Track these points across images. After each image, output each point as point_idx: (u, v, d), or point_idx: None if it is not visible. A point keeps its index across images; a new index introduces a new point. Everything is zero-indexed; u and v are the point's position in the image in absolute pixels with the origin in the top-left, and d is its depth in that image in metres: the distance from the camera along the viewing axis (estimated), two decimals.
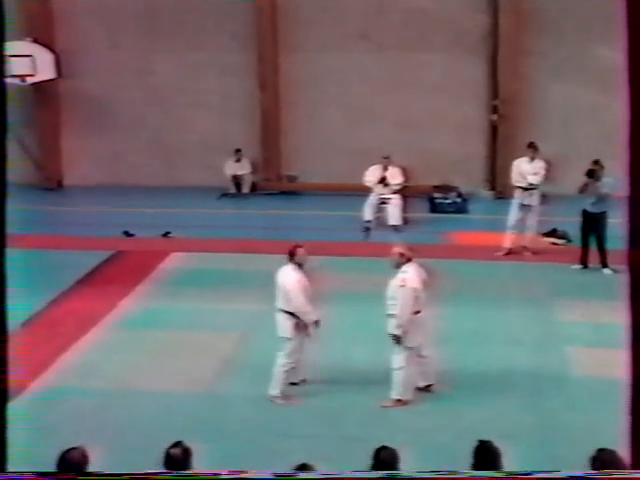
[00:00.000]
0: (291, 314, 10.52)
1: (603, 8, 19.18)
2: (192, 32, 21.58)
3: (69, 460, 6.10)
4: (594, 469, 5.66)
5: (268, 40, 21.38)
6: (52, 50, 21.33)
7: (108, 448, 8.18)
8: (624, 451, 4.79)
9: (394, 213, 18.45)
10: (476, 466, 6.04)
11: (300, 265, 10.61)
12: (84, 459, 6.16)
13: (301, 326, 10.57)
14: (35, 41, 20.80)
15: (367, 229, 18.23)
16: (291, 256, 10.62)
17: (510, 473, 5.13)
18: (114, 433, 9.73)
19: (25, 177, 20.14)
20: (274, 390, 10.65)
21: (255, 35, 21.36)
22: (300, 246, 10.72)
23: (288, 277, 10.53)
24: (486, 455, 6.08)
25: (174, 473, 5.46)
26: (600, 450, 5.77)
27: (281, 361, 10.64)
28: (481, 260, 16.14)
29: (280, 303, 10.60)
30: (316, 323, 10.55)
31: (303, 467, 5.69)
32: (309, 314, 10.49)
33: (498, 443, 6.18)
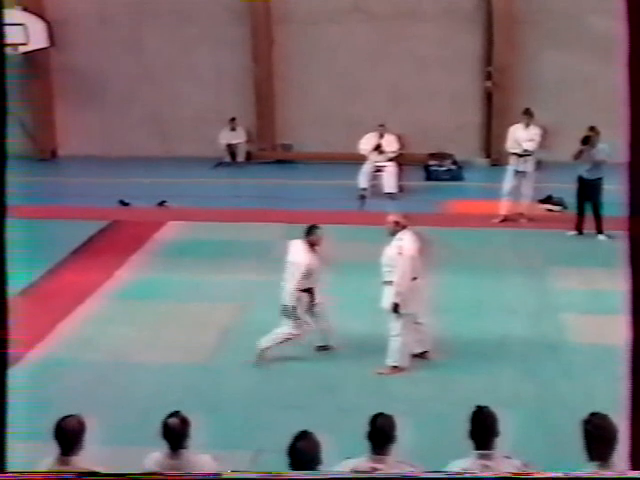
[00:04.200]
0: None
1: None
2: (184, 5, 21.41)
3: (65, 427, 6.12)
4: (586, 433, 5.68)
5: (261, 12, 21.25)
6: (43, 19, 21.18)
7: (105, 420, 8.20)
8: (620, 418, 4.80)
9: (389, 181, 18.43)
10: (473, 432, 6.06)
11: (313, 244, 10.61)
12: (80, 427, 6.17)
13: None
14: (25, 9, 20.62)
15: (362, 197, 18.21)
16: (307, 234, 10.62)
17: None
18: (111, 405, 9.72)
19: (18, 148, 20.10)
20: (264, 343, 10.74)
21: (248, 7, 21.22)
22: (318, 227, 10.72)
23: (299, 258, 10.54)
24: (483, 421, 6.10)
25: (175, 473, 5.46)
26: (592, 414, 5.78)
27: (279, 332, 10.69)
28: (477, 228, 16.14)
29: (288, 277, 10.62)
30: (294, 308, 10.58)
31: (303, 434, 5.69)
32: (291, 297, 10.55)
33: (495, 410, 6.19)
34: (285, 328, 10.67)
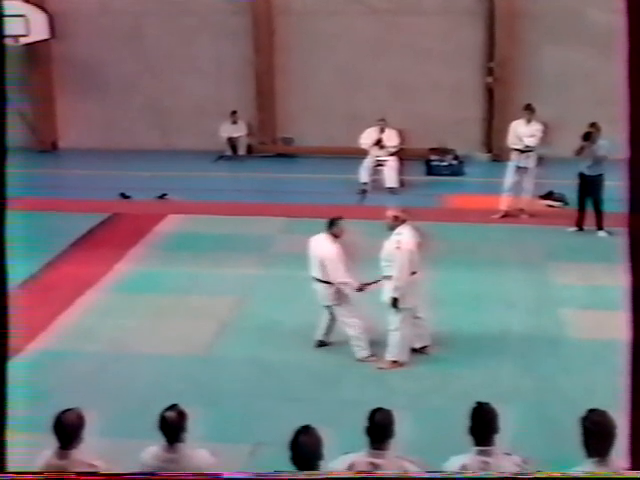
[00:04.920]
0: (329, 282, 10.54)
1: None
2: None
3: (65, 422, 6.11)
4: (584, 430, 5.68)
5: (262, 3, 21.22)
6: (44, 10, 21.14)
7: (104, 411, 8.20)
8: (619, 413, 4.80)
9: (390, 175, 18.42)
10: (473, 428, 6.07)
11: (336, 236, 10.59)
12: (80, 421, 6.17)
13: (341, 292, 10.62)
14: (26, 1, 20.57)
15: (363, 192, 18.20)
16: (330, 226, 10.60)
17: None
18: (110, 397, 9.72)
19: (18, 139, 20.06)
20: (362, 353, 10.69)
21: None
22: (340, 217, 10.71)
23: (326, 250, 10.50)
24: (483, 417, 6.10)
25: (176, 473, 5.45)
26: (591, 411, 5.79)
27: (350, 325, 10.68)
28: (477, 223, 16.13)
29: (316, 273, 10.59)
30: (360, 290, 10.55)
31: (305, 429, 5.69)
32: (349, 284, 10.51)
33: (494, 405, 6.19)
34: (350, 323, 10.67)
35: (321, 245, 10.57)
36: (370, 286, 10.55)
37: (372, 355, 10.69)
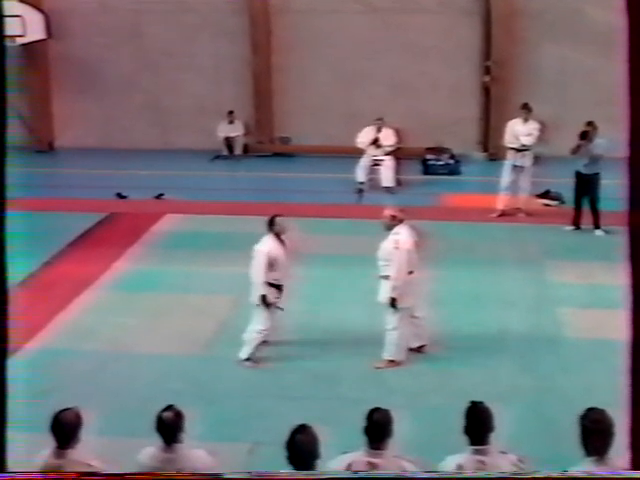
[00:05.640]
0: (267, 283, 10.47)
1: None
2: None
3: (62, 421, 6.11)
4: (583, 428, 5.68)
5: (260, 2, 21.21)
6: (40, 10, 21.12)
7: (103, 410, 8.21)
8: (618, 412, 4.81)
9: (387, 175, 18.41)
10: (468, 428, 6.07)
11: (278, 235, 10.54)
12: (77, 420, 6.17)
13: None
14: (22, 1, 20.52)
15: (360, 191, 18.20)
16: (270, 225, 10.56)
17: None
18: (109, 395, 9.73)
19: (16, 139, 20.00)
20: (243, 354, 10.66)
21: None
22: (278, 215, 10.65)
23: (260, 246, 10.47)
24: (478, 416, 6.10)
25: (175, 474, 5.45)
26: (589, 409, 5.79)
27: (254, 329, 10.62)
28: (474, 222, 16.14)
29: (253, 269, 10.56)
30: (263, 297, 10.43)
31: (302, 428, 5.69)
32: (258, 288, 10.41)
33: (492, 404, 6.19)
34: (255, 326, 10.62)
35: (260, 243, 10.52)
36: (270, 301, 10.45)
37: (253, 362, 10.61)
